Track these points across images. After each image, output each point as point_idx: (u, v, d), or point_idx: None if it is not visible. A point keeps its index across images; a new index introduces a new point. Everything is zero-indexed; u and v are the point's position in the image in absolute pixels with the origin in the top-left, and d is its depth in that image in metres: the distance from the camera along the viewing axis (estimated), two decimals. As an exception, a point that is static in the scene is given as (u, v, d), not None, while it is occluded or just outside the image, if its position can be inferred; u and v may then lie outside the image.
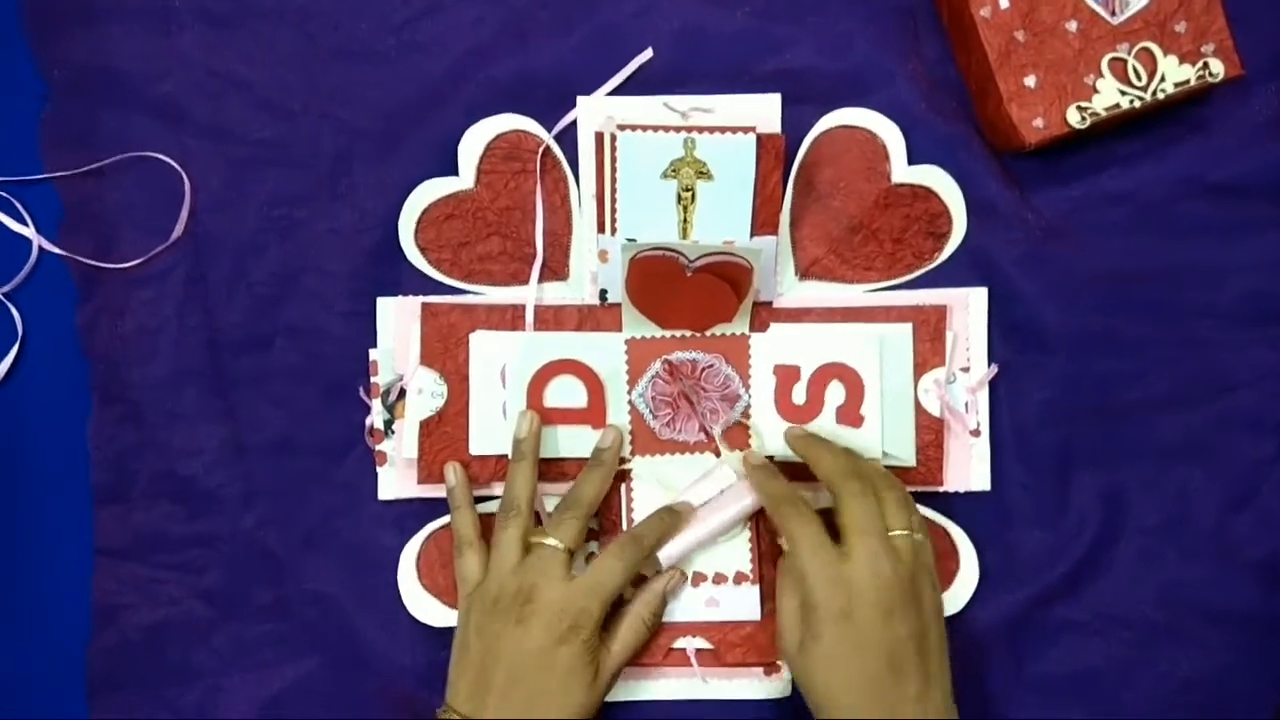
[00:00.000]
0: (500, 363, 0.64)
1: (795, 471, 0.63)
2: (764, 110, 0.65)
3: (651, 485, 0.64)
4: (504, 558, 0.59)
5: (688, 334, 0.65)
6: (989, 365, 0.65)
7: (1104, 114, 0.62)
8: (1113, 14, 0.62)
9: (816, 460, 0.60)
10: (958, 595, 0.65)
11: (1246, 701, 0.65)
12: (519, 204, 0.65)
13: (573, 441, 0.64)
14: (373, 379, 0.65)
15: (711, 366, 0.65)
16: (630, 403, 0.65)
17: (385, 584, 0.65)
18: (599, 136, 0.63)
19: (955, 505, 0.65)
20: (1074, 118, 0.62)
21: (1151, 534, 0.65)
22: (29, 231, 0.66)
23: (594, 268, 0.65)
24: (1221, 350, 0.65)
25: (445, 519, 0.64)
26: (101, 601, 0.65)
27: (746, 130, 0.63)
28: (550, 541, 0.59)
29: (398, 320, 0.65)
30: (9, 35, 0.66)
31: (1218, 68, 0.62)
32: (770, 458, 0.64)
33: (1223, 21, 0.62)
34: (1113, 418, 0.65)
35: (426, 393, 0.64)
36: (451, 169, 0.65)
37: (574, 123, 0.65)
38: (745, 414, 0.65)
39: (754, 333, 0.65)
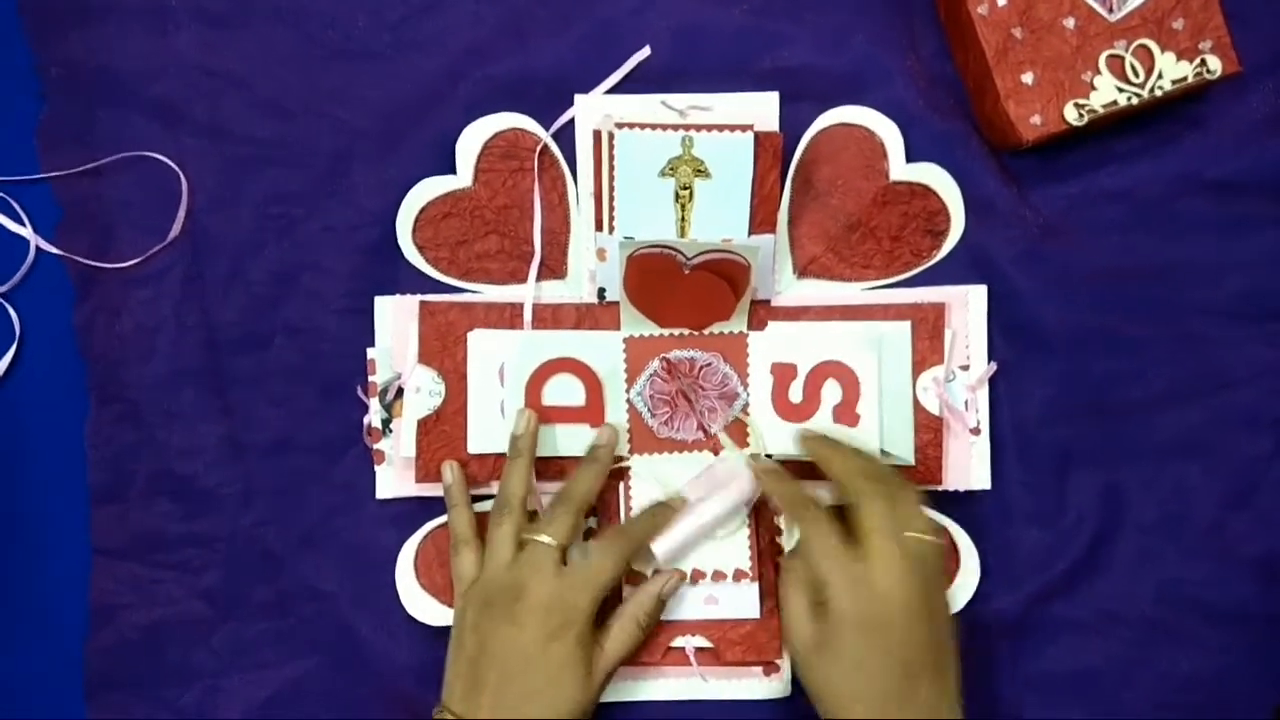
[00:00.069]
0: (498, 361, 0.64)
1: (800, 470, 0.63)
2: (762, 108, 0.65)
3: (650, 484, 0.64)
4: (497, 555, 0.59)
5: (686, 332, 0.65)
6: (988, 363, 0.65)
7: (1102, 111, 0.62)
8: (1110, 11, 0.62)
9: (830, 461, 0.60)
10: (957, 594, 0.64)
11: (1246, 700, 0.65)
12: (517, 202, 0.65)
13: (571, 440, 0.64)
14: (370, 378, 0.65)
15: (710, 365, 0.65)
16: (629, 401, 0.65)
17: (384, 583, 0.65)
18: (597, 135, 0.63)
19: (954, 504, 0.65)
20: (1071, 115, 0.62)
21: (1150, 532, 0.65)
22: (26, 231, 0.66)
23: (592, 266, 0.65)
24: (1219, 347, 0.65)
25: (443, 518, 0.64)
26: (99, 601, 0.65)
27: (744, 128, 0.63)
28: (542, 538, 0.59)
29: (395, 319, 0.65)
30: (7, 35, 0.66)
31: (1215, 65, 0.62)
32: (769, 456, 0.64)
33: (1220, 18, 0.62)
34: (1111, 415, 0.65)
35: (424, 391, 0.64)
36: (449, 167, 0.65)
37: (572, 121, 0.65)
38: (743, 412, 0.65)
39: (752, 331, 0.65)
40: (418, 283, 0.65)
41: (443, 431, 0.64)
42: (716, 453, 0.65)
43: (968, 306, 0.65)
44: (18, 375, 0.66)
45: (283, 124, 0.66)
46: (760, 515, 0.64)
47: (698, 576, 0.63)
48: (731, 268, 0.62)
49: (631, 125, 0.63)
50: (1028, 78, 0.62)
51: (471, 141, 0.65)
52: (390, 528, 0.65)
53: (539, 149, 0.65)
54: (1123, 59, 0.62)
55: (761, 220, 0.64)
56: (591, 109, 0.65)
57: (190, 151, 0.66)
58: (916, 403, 0.65)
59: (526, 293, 0.65)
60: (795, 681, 0.64)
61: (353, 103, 0.66)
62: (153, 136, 0.66)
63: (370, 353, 0.65)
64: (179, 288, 0.65)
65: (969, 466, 0.65)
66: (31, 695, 0.65)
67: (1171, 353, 0.65)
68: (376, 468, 0.65)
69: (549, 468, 0.64)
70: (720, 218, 0.63)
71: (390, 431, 0.65)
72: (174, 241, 0.66)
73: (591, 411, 0.64)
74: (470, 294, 0.65)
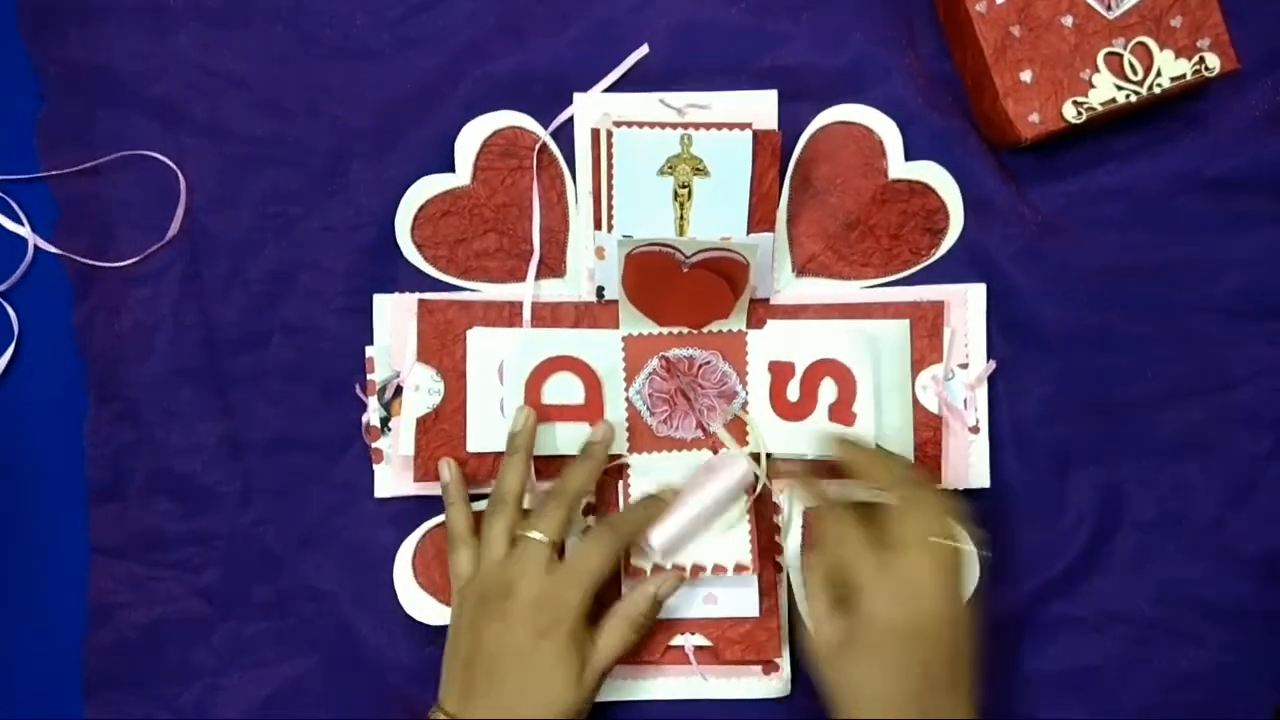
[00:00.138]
0: (498, 359, 0.64)
1: (801, 469, 0.63)
2: (760, 107, 0.65)
3: (649, 482, 0.64)
4: (491, 552, 0.59)
5: (685, 331, 0.65)
6: (987, 361, 0.65)
7: (1100, 109, 0.62)
8: (1108, 9, 0.62)
9: (865, 465, 0.60)
10: (956, 592, 0.64)
11: (1245, 698, 0.65)
12: (515, 201, 0.65)
13: (571, 438, 0.64)
14: (369, 376, 0.65)
15: (709, 363, 0.65)
16: (627, 400, 0.65)
17: (384, 582, 0.65)
18: (595, 133, 0.63)
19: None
20: (1070, 113, 0.62)
21: (1149, 530, 0.65)
22: (25, 230, 0.66)
23: (591, 265, 0.65)
24: (1218, 345, 0.65)
25: (442, 517, 0.64)
26: (98, 600, 0.65)
27: (743, 127, 0.63)
28: (533, 534, 0.58)
29: (394, 317, 0.65)
30: (5, 34, 0.66)
31: (1213, 62, 0.62)
32: (769, 455, 0.64)
33: (1218, 16, 0.62)
34: (1110, 414, 0.65)
35: (423, 390, 0.64)
36: (448, 166, 0.65)
37: (570, 119, 0.65)
38: (743, 410, 0.65)
39: (751, 329, 0.65)
40: (417, 281, 0.65)
41: (442, 430, 0.64)
42: (715, 451, 0.65)
43: (966, 305, 0.65)
44: (16, 374, 0.66)
45: (282, 123, 0.66)
46: (760, 511, 0.64)
47: (698, 571, 0.63)
48: (730, 266, 0.62)
49: (630, 124, 0.63)
50: (1026, 75, 0.62)
51: (470, 140, 0.65)
52: (389, 527, 0.65)
53: (538, 147, 0.65)
54: (1121, 57, 0.62)
55: (760, 219, 0.64)
56: (590, 107, 0.65)
57: (189, 150, 0.66)
58: (916, 401, 0.65)
59: (526, 291, 0.65)
60: (795, 681, 0.64)
61: (351, 101, 0.66)
62: (151, 135, 0.66)
63: (368, 351, 0.65)
64: (178, 287, 0.65)
65: (968, 465, 0.65)
66: (30, 694, 0.65)
67: (1170, 351, 0.65)
68: (375, 466, 0.65)
69: (549, 467, 0.64)
70: (719, 216, 0.63)
71: (389, 430, 0.65)
72: (173, 240, 0.66)
73: (591, 410, 0.64)
74: (469, 292, 0.65)
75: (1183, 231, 0.65)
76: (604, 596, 0.60)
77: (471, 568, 0.60)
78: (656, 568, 0.62)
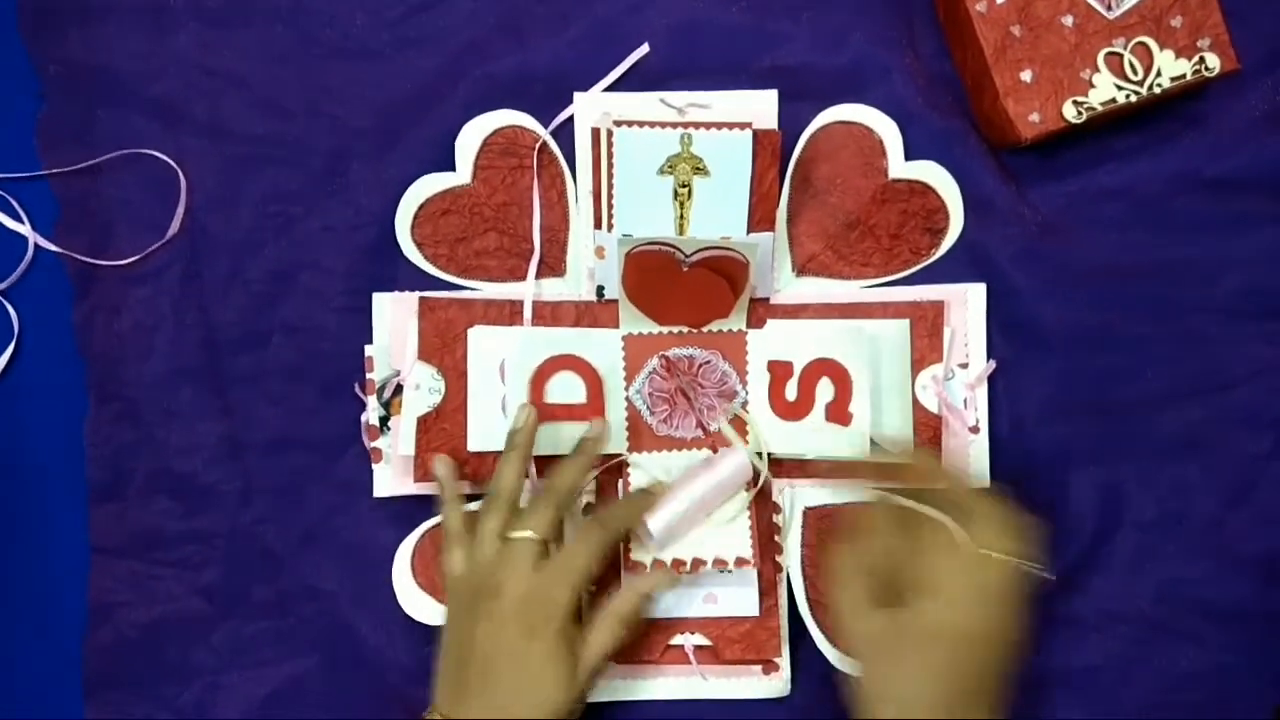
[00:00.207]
0: (498, 358, 0.64)
1: (800, 470, 0.63)
2: (760, 106, 0.65)
3: (648, 481, 0.64)
4: (482, 551, 0.59)
5: (685, 330, 0.65)
6: (987, 361, 0.65)
7: (1100, 109, 0.62)
8: (1109, 9, 0.62)
9: (947, 479, 0.59)
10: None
11: (1245, 698, 0.65)
12: (516, 200, 0.65)
13: (573, 437, 0.63)
14: (368, 375, 0.65)
15: (709, 363, 0.65)
16: (627, 399, 0.65)
17: (384, 582, 0.65)
18: (595, 132, 0.63)
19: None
20: (1070, 113, 0.62)
21: (1149, 530, 0.65)
22: (25, 229, 0.66)
23: (591, 264, 0.65)
24: (1218, 345, 0.65)
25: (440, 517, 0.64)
26: (98, 599, 0.65)
27: (743, 126, 0.63)
28: (522, 533, 0.58)
29: (394, 315, 0.65)
30: (5, 33, 0.66)
31: (1214, 62, 0.62)
32: (770, 454, 0.64)
33: (1219, 16, 0.62)
34: (1110, 413, 0.65)
35: (424, 389, 0.64)
36: (448, 166, 0.65)
37: (571, 118, 0.66)
38: (743, 409, 0.65)
39: (751, 329, 0.65)
40: (417, 280, 0.65)
41: (442, 429, 0.64)
42: (715, 450, 0.65)
43: (966, 304, 0.65)
44: (16, 373, 0.66)
45: (282, 123, 0.66)
46: (760, 511, 0.64)
47: (698, 564, 0.62)
48: (730, 265, 0.62)
49: (630, 123, 0.63)
50: (1026, 75, 0.62)
51: (470, 138, 0.65)
52: (389, 526, 0.65)
53: (538, 146, 0.65)
54: (1121, 56, 0.62)
55: (760, 218, 0.64)
56: (590, 106, 0.65)
57: (189, 150, 0.66)
58: (916, 401, 0.65)
59: (526, 290, 0.65)
60: (795, 681, 0.64)
61: (351, 101, 0.66)
62: (151, 135, 0.66)
63: (368, 350, 0.65)
64: (178, 286, 0.65)
65: (968, 465, 0.65)
66: (30, 693, 0.65)
67: (1170, 351, 0.65)
68: (374, 466, 0.65)
69: (550, 466, 0.64)
70: (719, 215, 0.63)
71: (388, 429, 0.65)
72: (173, 240, 0.66)
73: (592, 409, 0.64)
74: (469, 291, 0.65)
75: (1183, 231, 0.65)
76: (606, 591, 0.60)
77: (464, 566, 0.60)
78: (657, 561, 0.62)
